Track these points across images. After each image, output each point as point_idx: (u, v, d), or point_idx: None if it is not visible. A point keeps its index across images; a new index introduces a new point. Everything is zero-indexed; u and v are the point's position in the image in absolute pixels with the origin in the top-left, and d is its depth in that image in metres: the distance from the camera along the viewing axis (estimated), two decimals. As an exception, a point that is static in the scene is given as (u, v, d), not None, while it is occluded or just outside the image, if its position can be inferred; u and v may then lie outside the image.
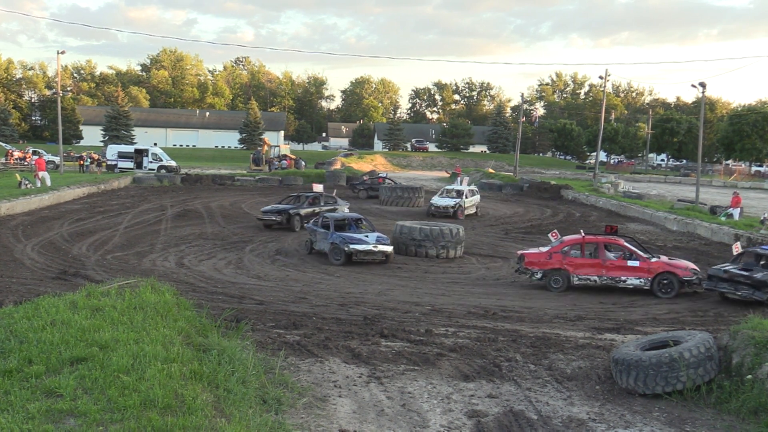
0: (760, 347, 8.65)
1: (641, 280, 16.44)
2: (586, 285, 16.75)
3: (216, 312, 11.46)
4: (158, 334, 8.19)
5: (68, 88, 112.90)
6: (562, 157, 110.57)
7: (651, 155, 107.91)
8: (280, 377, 8.78)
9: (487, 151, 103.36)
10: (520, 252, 17.96)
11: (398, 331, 11.67)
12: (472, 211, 32.91)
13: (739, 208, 31.40)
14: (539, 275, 16.96)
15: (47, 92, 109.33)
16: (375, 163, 74.91)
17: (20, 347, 7.43)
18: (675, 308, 15.13)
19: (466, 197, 32.54)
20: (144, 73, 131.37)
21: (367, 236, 19.99)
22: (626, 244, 17.13)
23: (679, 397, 8.72)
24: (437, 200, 32.42)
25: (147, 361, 7.19)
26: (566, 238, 18.01)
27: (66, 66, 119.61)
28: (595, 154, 72.33)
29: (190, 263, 18.86)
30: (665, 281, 16.35)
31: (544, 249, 17.52)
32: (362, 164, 68.32)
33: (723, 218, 29.81)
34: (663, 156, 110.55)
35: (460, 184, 34.74)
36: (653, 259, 16.67)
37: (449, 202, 31.73)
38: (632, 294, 16.49)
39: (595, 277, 16.68)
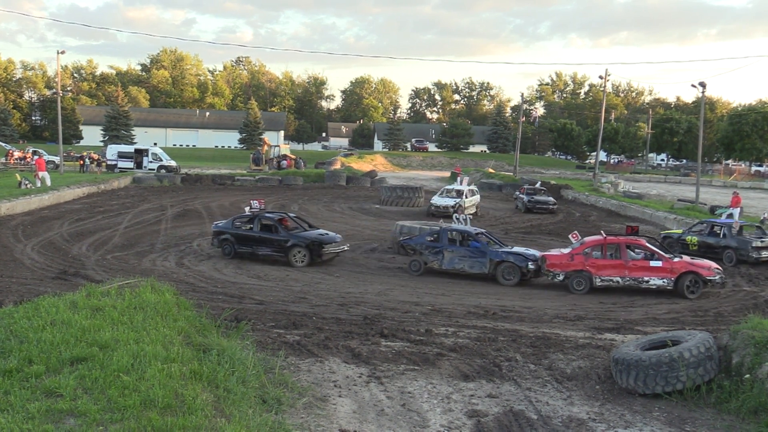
0: (760, 347, 8.65)
1: (664, 280, 16.32)
2: (608, 286, 16.60)
3: (216, 312, 11.47)
4: (158, 334, 8.19)
5: (68, 88, 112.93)
6: (562, 156, 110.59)
7: (651, 155, 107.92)
8: (280, 377, 8.78)
9: (487, 151, 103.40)
10: (541, 254, 17.79)
11: (398, 331, 11.67)
12: (472, 210, 32.91)
13: (739, 208, 31.38)
14: (561, 277, 16.82)
15: (47, 92, 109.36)
16: (375, 162, 74.93)
17: (20, 347, 7.43)
18: (675, 308, 15.13)
19: (466, 197, 32.56)
20: (144, 73, 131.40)
21: (527, 250, 18.73)
22: (648, 244, 17.04)
23: (679, 396, 8.72)
24: (437, 200, 32.44)
25: (147, 361, 7.19)
26: (587, 239, 17.84)
27: (66, 66, 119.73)
28: (595, 153, 72.35)
29: (190, 263, 18.86)
30: (691, 281, 16.24)
31: (565, 250, 17.38)
32: (362, 164, 68.32)
33: (723, 218, 29.79)
34: (663, 156, 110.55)
35: (460, 184, 34.76)
36: (675, 259, 16.60)
37: (449, 201, 31.74)
38: (632, 294, 16.48)
39: (618, 278, 16.53)
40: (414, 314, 13.35)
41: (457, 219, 20.98)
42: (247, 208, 20.91)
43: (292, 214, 21.56)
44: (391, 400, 8.60)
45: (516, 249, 18.74)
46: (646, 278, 16.42)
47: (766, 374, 8.16)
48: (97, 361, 7.13)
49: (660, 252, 16.77)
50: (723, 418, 8.17)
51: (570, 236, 19.07)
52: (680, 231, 24.39)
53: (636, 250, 16.89)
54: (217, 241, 20.16)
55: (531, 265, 17.52)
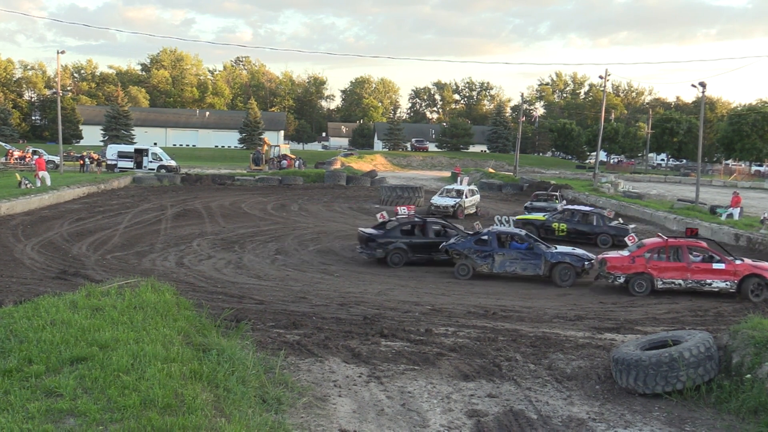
0: (760, 347, 8.65)
1: (727, 282, 16.21)
2: (670, 289, 16.47)
3: (216, 312, 11.46)
4: (158, 333, 8.19)
5: (68, 88, 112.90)
6: (562, 156, 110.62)
7: (651, 155, 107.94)
8: (280, 377, 8.78)
9: (487, 151, 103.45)
10: (601, 256, 17.63)
11: (398, 331, 11.67)
12: (472, 210, 32.92)
13: (739, 208, 31.41)
14: (622, 279, 16.67)
15: (47, 92, 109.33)
16: (375, 162, 74.97)
17: (20, 347, 7.42)
18: (675, 308, 15.14)
19: (466, 197, 32.56)
20: (144, 73, 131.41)
21: (574, 249, 18.82)
22: (708, 247, 16.93)
23: (679, 396, 8.72)
24: (437, 200, 32.43)
25: (147, 360, 7.19)
26: (646, 241, 17.68)
27: (66, 66, 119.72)
28: (595, 153, 72.33)
29: (189, 263, 18.86)
30: (756, 284, 16.10)
31: (624, 253, 17.28)
32: (362, 164, 68.35)
33: (723, 218, 29.82)
34: (663, 156, 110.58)
35: (460, 184, 34.72)
36: (738, 262, 16.51)
37: (449, 201, 31.74)
38: (632, 294, 16.47)
39: (680, 281, 16.39)
40: (414, 314, 13.35)
41: (499, 221, 20.71)
42: (378, 216, 21.09)
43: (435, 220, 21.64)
44: (391, 399, 8.60)
45: (561, 249, 18.64)
46: (708, 281, 16.29)
47: (766, 374, 8.16)
48: (97, 360, 7.13)
49: (721, 254, 16.66)
50: (723, 417, 8.17)
51: (626, 239, 18.96)
52: (542, 217, 25.81)
53: (695, 253, 16.80)
54: (381, 250, 19.50)
55: (587, 264, 17.66)
